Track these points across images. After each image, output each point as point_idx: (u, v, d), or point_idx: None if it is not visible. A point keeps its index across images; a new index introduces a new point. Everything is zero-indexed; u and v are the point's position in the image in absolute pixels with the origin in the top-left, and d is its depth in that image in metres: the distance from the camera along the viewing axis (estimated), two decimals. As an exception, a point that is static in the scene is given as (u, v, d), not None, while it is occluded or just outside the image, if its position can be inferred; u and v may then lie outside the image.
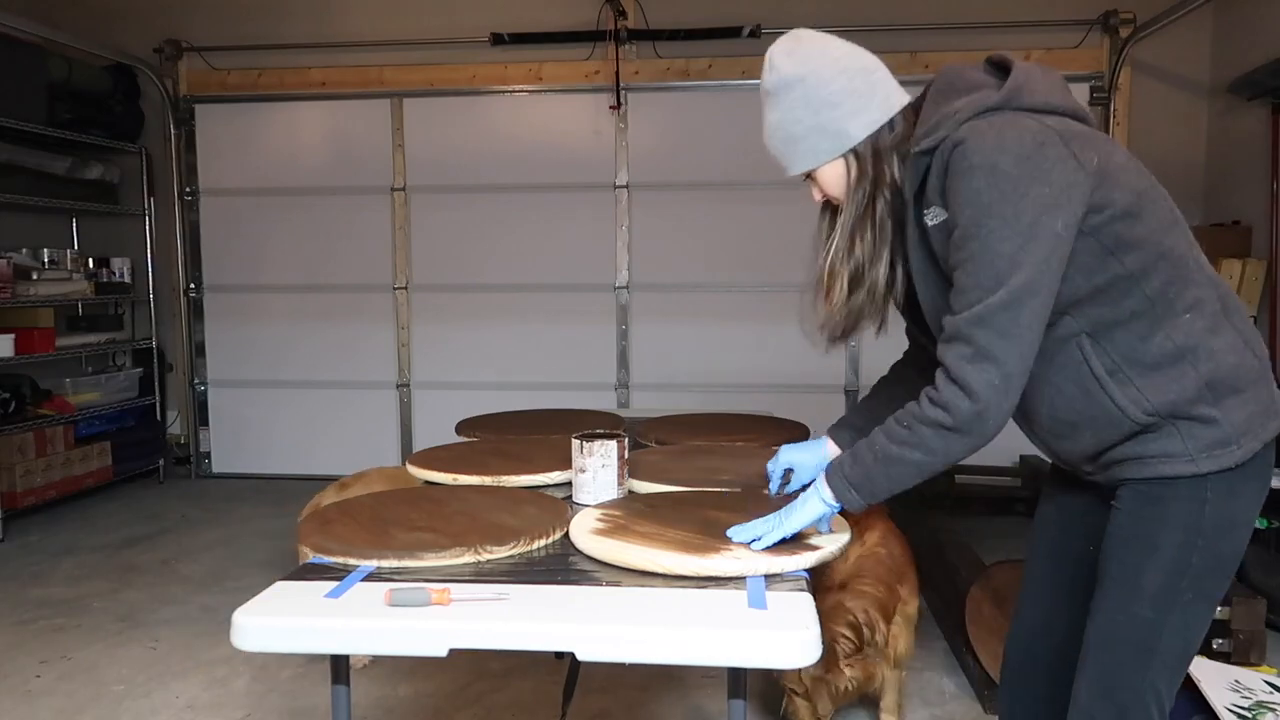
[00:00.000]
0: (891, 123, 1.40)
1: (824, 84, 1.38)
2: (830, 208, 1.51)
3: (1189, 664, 1.39)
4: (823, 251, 1.48)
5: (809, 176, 1.46)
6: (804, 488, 1.64)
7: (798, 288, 1.59)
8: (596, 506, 1.73)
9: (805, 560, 1.44)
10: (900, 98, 1.42)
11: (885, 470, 1.38)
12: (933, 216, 1.34)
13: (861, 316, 1.48)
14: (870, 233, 1.42)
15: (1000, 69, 1.39)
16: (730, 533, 1.48)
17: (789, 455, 1.73)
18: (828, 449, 1.72)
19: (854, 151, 1.41)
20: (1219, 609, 2.73)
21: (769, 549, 1.44)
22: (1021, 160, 1.24)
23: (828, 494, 1.44)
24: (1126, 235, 1.31)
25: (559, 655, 2.74)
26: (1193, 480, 1.31)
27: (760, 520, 1.48)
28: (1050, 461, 1.58)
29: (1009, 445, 1.90)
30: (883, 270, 1.45)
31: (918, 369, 1.64)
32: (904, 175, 1.40)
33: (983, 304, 1.26)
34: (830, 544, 1.49)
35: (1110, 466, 1.39)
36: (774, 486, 1.74)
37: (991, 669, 2.57)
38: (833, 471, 1.44)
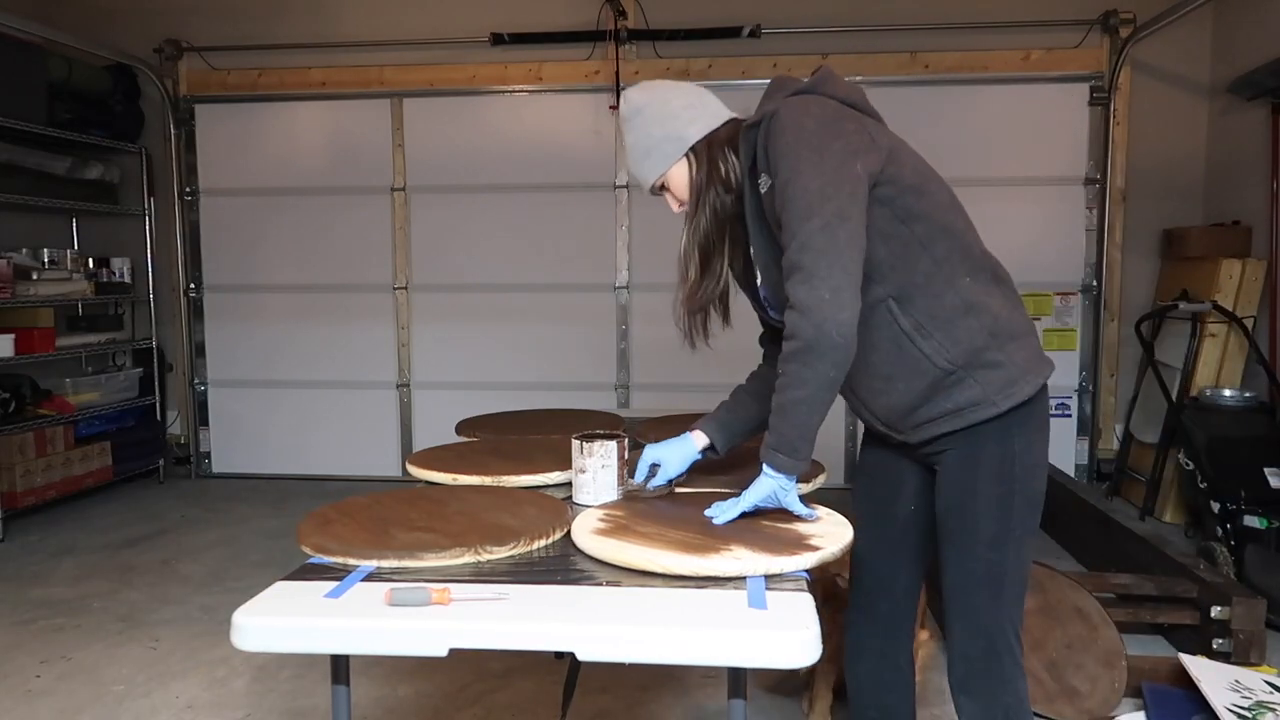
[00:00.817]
0: (720, 127, 1.68)
1: (666, 103, 1.68)
2: (712, 219, 1.72)
3: (1027, 588, 1.64)
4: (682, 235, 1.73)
5: (663, 189, 1.73)
6: (653, 478, 1.82)
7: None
8: (599, 507, 1.74)
9: (805, 560, 1.44)
10: (728, 112, 1.72)
11: (787, 421, 1.53)
12: (764, 184, 1.57)
13: (710, 299, 1.77)
14: (710, 214, 1.68)
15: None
16: (707, 512, 1.62)
17: (654, 452, 1.82)
18: (693, 442, 1.85)
19: (692, 149, 1.67)
20: (1218, 609, 2.74)
21: (727, 520, 1.59)
22: (823, 123, 1.50)
23: (765, 466, 1.58)
24: (914, 207, 1.54)
25: (559, 655, 2.74)
26: (998, 424, 1.54)
27: (726, 501, 1.63)
28: (866, 432, 1.81)
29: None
30: (725, 250, 1.73)
31: (772, 366, 1.84)
32: (740, 159, 1.64)
33: (803, 230, 1.46)
34: (831, 545, 1.49)
35: (924, 425, 1.60)
36: (638, 478, 1.82)
37: None
38: (762, 446, 1.58)
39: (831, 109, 1.53)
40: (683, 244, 1.74)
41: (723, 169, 1.67)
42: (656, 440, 2.42)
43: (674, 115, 1.68)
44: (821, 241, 1.45)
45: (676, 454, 1.82)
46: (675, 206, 1.76)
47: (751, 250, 1.69)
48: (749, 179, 1.63)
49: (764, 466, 1.58)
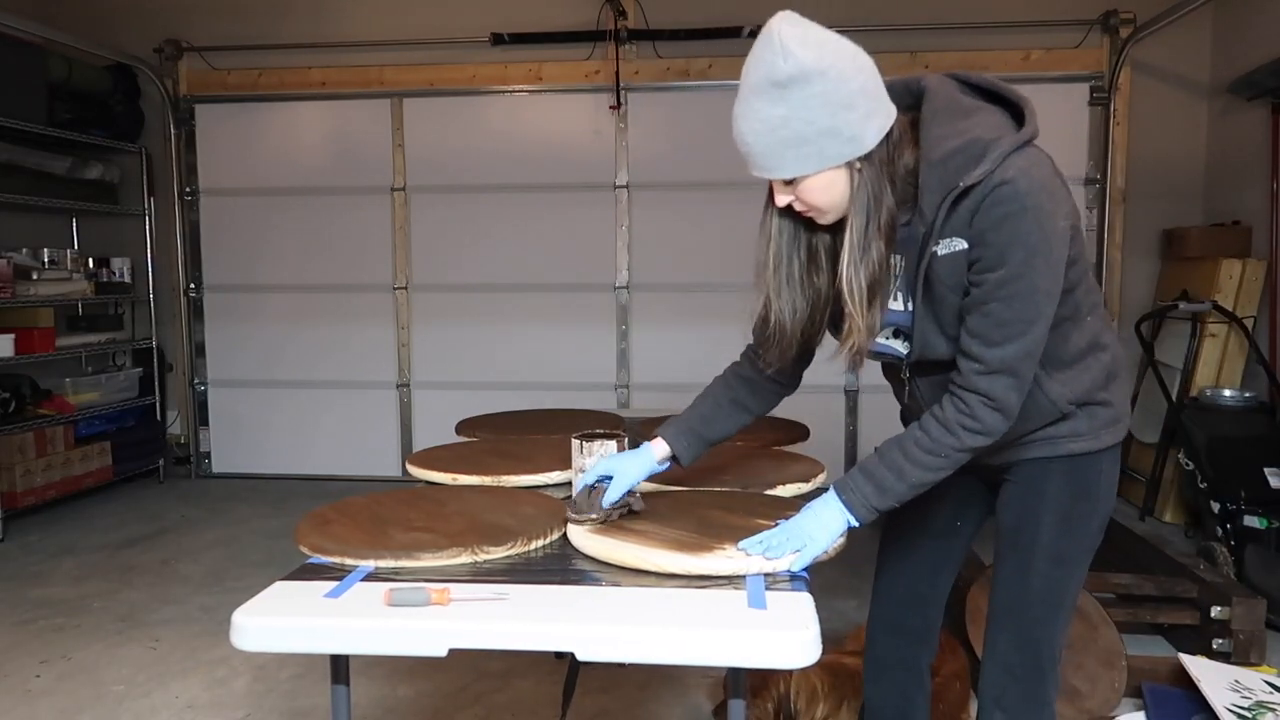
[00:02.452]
0: (891, 129, 1.36)
1: (844, 81, 1.28)
2: (791, 216, 1.45)
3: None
4: (842, 264, 1.39)
5: (788, 184, 1.38)
6: (601, 494, 1.60)
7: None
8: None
9: (803, 560, 1.44)
10: (893, 105, 1.38)
11: (905, 483, 1.43)
12: (945, 247, 1.35)
13: (876, 328, 1.43)
14: (879, 242, 1.37)
15: (968, 85, 1.42)
16: (743, 545, 1.46)
17: (610, 464, 1.64)
18: (652, 453, 1.67)
19: (866, 158, 1.34)
20: (1218, 609, 2.74)
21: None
22: (1052, 197, 1.32)
23: (851, 516, 1.46)
24: (1071, 250, 1.39)
25: (559, 655, 2.74)
26: (1093, 454, 1.51)
27: (772, 533, 1.47)
28: None
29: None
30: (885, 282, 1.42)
31: (759, 372, 1.66)
32: (918, 193, 1.37)
33: (1027, 336, 1.35)
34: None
35: (1014, 447, 1.52)
36: (578, 486, 1.65)
37: None
38: (849, 491, 1.46)
39: (1050, 172, 1.34)
40: (844, 267, 1.38)
41: (892, 194, 1.37)
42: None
43: (849, 103, 1.29)
44: (1037, 348, 1.37)
45: (633, 465, 1.64)
46: (784, 202, 1.42)
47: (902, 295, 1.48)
48: (922, 230, 1.38)
49: (850, 515, 1.46)
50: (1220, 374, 4.44)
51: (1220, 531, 3.67)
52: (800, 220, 1.44)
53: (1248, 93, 4.54)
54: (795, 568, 1.43)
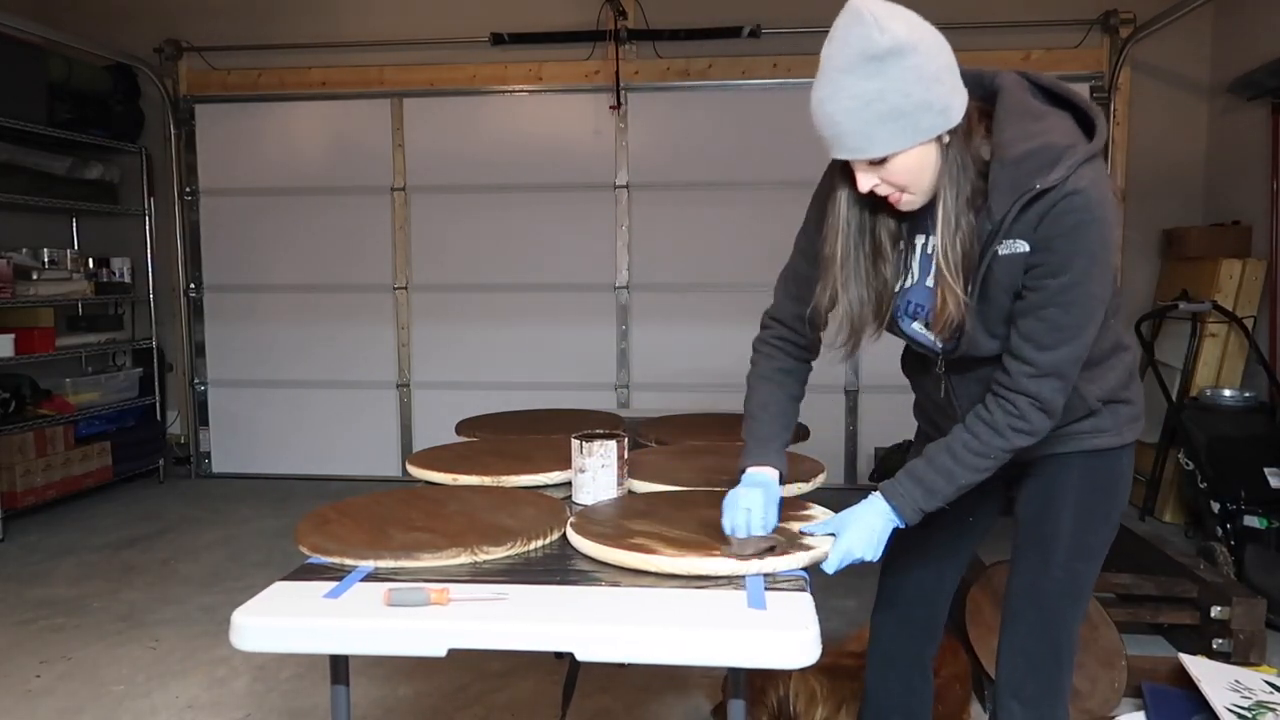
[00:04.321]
0: (968, 108, 1.37)
1: (935, 55, 1.30)
2: (860, 206, 1.43)
3: None
4: (934, 245, 1.40)
5: (874, 164, 1.35)
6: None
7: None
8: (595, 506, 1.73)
9: (799, 560, 1.44)
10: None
11: (954, 485, 1.47)
12: (1007, 247, 1.36)
13: (966, 301, 1.41)
14: (969, 214, 1.37)
15: (1038, 87, 1.42)
16: (825, 566, 1.46)
17: (754, 498, 1.51)
18: (774, 480, 1.58)
19: (953, 131, 1.34)
20: (1218, 609, 2.74)
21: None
22: (1112, 208, 1.37)
23: (897, 517, 1.49)
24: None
25: (559, 655, 2.73)
26: (1115, 450, 1.55)
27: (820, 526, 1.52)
28: (936, 439, 1.61)
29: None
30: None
31: (796, 359, 1.68)
32: (987, 188, 1.36)
33: (1078, 341, 1.39)
34: (825, 544, 1.49)
35: (1036, 445, 1.49)
36: (759, 530, 1.49)
37: (992, 669, 2.57)
38: (898, 496, 1.48)
39: (1108, 184, 1.38)
40: (939, 245, 1.38)
41: (972, 173, 1.37)
42: (657, 441, 2.43)
43: (939, 77, 1.30)
44: (1085, 353, 1.41)
45: (762, 497, 1.53)
46: (868, 186, 1.38)
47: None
48: (989, 229, 1.37)
49: (897, 518, 1.48)
50: (1220, 374, 4.44)
51: (1220, 531, 3.67)
52: (867, 210, 1.44)
53: (1248, 93, 4.54)
54: (832, 570, 1.46)
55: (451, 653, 1.24)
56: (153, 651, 3.11)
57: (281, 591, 1.37)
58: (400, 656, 1.98)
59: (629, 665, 2.76)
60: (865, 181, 1.38)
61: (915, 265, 1.50)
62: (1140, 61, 5.06)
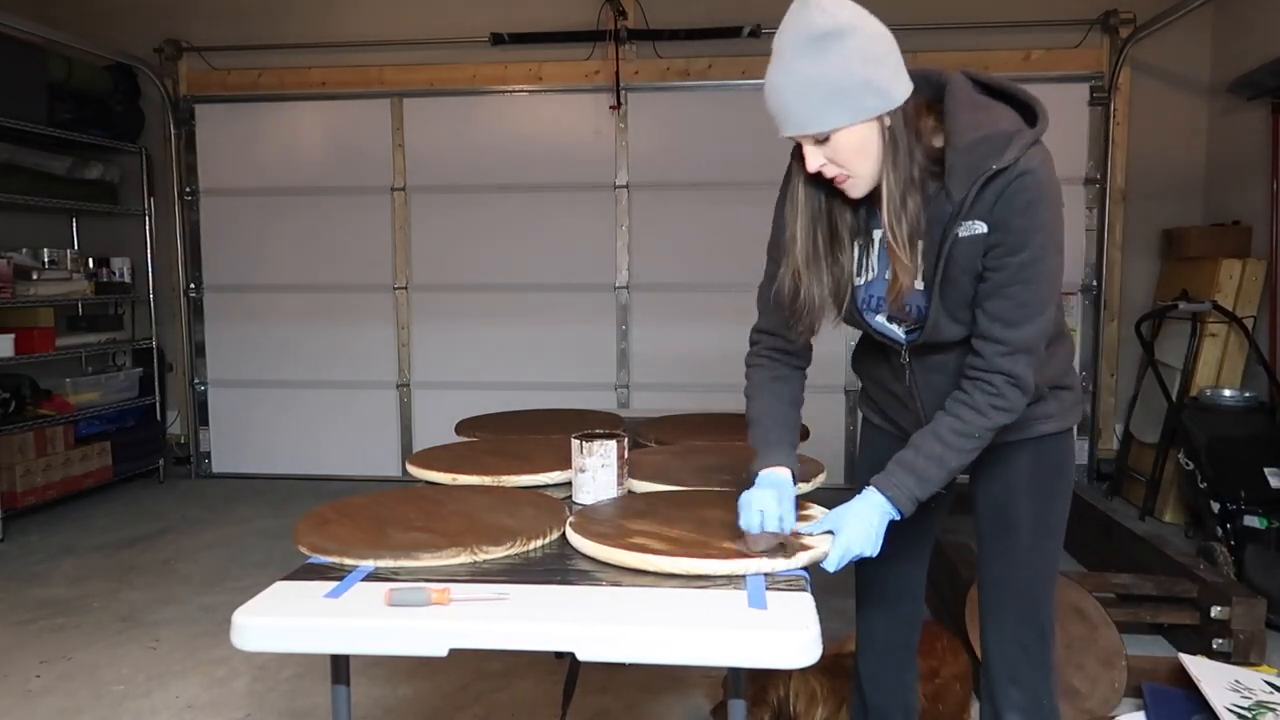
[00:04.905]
0: (910, 98, 1.42)
1: (876, 39, 1.37)
2: (816, 189, 1.48)
3: None
4: (882, 214, 1.43)
5: (819, 143, 1.41)
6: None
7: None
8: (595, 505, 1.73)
9: (799, 560, 1.44)
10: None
11: (946, 470, 1.50)
12: (967, 229, 1.43)
13: (918, 272, 1.48)
14: (915, 195, 1.43)
15: (979, 84, 1.49)
16: (826, 565, 1.47)
17: (769, 498, 1.51)
18: (788, 480, 1.59)
19: (898, 111, 1.40)
20: (1218, 609, 2.74)
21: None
22: (1057, 188, 1.44)
23: (894, 509, 1.50)
24: None
25: (559, 655, 2.74)
26: (1061, 434, 1.64)
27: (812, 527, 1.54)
28: (872, 428, 1.82)
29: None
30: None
31: (791, 367, 1.71)
32: (944, 175, 1.43)
33: (1043, 316, 1.45)
34: (824, 543, 1.49)
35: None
36: (773, 527, 1.49)
37: None
38: (892, 487, 1.49)
39: (1052, 165, 1.45)
40: (885, 222, 1.43)
41: (918, 156, 1.43)
42: (657, 441, 2.43)
43: (881, 59, 1.37)
44: (1050, 328, 1.48)
45: (777, 497, 1.53)
46: (816, 165, 1.43)
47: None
48: (948, 211, 1.43)
49: (893, 509, 1.49)
50: (1220, 374, 4.44)
51: (1220, 531, 3.67)
52: (823, 195, 1.50)
53: (1248, 93, 4.54)
54: (833, 569, 1.47)
55: (451, 653, 1.24)
56: (153, 651, 3.11)
57: (282, 591, 1.37)
58: (401, 656, 1.98)
59: (629, 665, 2.76)
60: (813, 160, 1.43)
61: (874, 260, 1.54)
62: (1140, 61, 5.06)
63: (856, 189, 1.46)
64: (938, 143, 1.45)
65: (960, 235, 1.43)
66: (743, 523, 1.50)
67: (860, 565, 1.77)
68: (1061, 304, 1.57)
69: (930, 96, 1.47)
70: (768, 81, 1.40)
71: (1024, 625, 1.65)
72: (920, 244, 1.46)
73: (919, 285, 1.49)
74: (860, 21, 1.37)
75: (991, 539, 1.68)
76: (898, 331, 1.58)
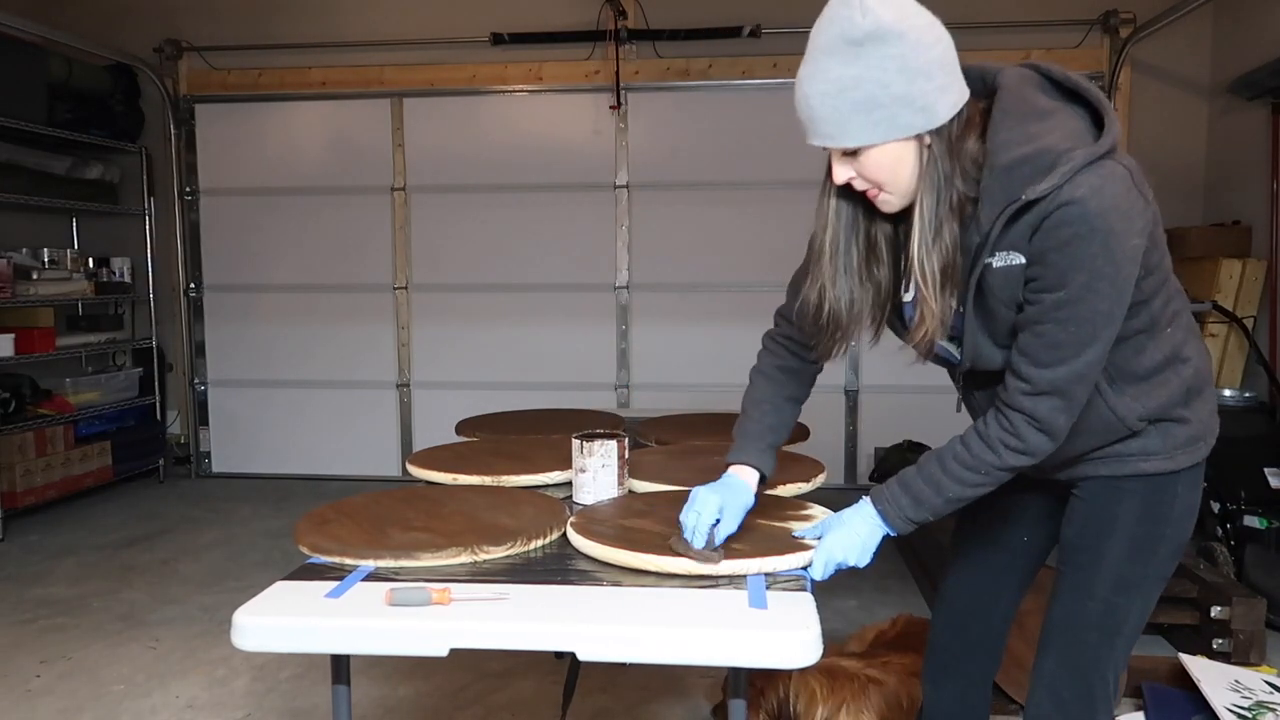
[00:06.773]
0: (963, 109, 1.27)
1: (924, 48, 1.20)
2: (850, 199, 1.35)
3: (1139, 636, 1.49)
4: (913, 246, 1.30)
5: (848, 155, 1.28)
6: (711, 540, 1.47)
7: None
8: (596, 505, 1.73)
9: (799, 559, 1.44)
10: (966, 87, 1.28)
11: (944, 498, 1.38)
12: (1001, 259, 1.27)
13: (949, 316, 1.33)
14: (952, 223, 1.28)
15: (1050, 80, 1.33)
16: (811, 571, 1.43)
17: (716, 501, 1.47)
18: (749, 483, 1.54)
19: (936, 132, 1.24)
20: (1218, 609, 2.74)
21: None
22: (1122, 216, 1.22)
23: (888, 528, 1.42)
24: (1148, 262, 1.29)
25: (559, 655, 2.74)
26: (1170, 476, 1.40)
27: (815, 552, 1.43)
28: None
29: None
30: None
31: (800, 359, 1.61)
32: (978, 195, 1.27)
33: (1079, 359, 1.27)
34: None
35: (1079, 464, 1.44)
36: (700, 542, 1.44)
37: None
38: (885, 502, 1.41)
39: (1124, 189, 1.23)
40: (914, 255, 1.29)
41: (960, 184, 1.27)
42: (657, 441, 2.43)
43: (926, 71, 1.21)
44: (1092, 371, 1.28)
45: (738, 500, 1.50)
46: (844, 178, 1.30)
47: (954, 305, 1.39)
48: (977, 240, 1.29)
49: (885, 526, 1.42)
50: (1220, 374, 4.44)
51: (1220, 531, 3.67)
52: (860, 205, 1.35)
53: (1248, 93, 4.54)
54: (819, 576, 1.41)
55: (451, 653, 1.24)
56: (153, 651, 3.11)
57: (282, 591, 1.37)
58: (401, 656, 1.98)
59: (629, 665, 2.76)
60: (841, 172, 1.30)
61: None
62: (1140, 61, 5.06)
63: (890, 205, 1.32)
64: (981, 157, 1.29)
65: (994, 265, 1.27)
66: (680, 517, 1.47)
67: (942, 576, 1.72)
68: (1191, 324, 1.41)
69: (983, 96, 1.31)
70: (798, 78, 1.27)
71: (1067, 678, 1.45)
72: (952, 282, 1.30)
73: (948, 320, 1.34)
74: (907, 24, 1.19)
75: (1063, 576, 1.48)
76: (952, 350, 1.42)
